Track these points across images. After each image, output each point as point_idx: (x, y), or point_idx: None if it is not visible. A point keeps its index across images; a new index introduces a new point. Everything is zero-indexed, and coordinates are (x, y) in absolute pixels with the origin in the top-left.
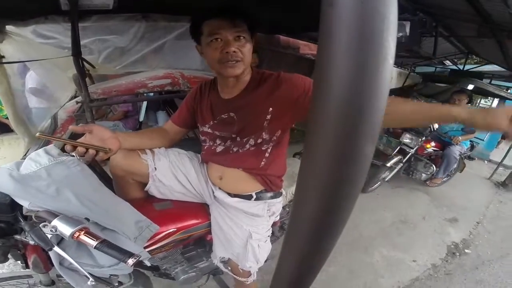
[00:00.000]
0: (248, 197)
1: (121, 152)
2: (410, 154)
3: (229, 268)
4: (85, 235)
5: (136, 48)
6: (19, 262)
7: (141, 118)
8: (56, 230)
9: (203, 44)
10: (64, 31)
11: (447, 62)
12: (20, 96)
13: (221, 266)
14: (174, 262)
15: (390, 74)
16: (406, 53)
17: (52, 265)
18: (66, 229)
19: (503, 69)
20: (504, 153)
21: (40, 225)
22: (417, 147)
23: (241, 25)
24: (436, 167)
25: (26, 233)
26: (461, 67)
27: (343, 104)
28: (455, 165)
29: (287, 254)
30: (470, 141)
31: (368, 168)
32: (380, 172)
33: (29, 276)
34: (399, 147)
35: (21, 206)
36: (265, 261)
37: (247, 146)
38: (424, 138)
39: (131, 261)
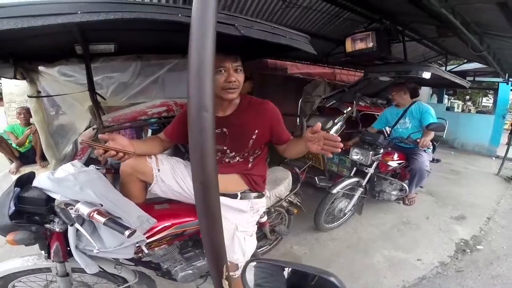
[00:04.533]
0: (234, 196)
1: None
2: (369, 174)
3: None
4: (97, 214)
5: (135, 82)
6: (42, 252)
7: None
8: (78, 211)
9: None
10: (80, 70)
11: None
12: (51, 124)
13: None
14: (174, 260)
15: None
16: (380, 61)
17: (70, 255)
18: (85, 210)
19: (484, 66)
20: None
21: (68, 208)
22: (375, 163)
23: (239, 59)
24: (404, 183)
25: (54, 222)
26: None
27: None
28: (427, 176)
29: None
30: (432, 142)
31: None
32: (328, 201)
33: (48, 270)
34: (354, 168)
35: (52, 203)
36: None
37: (237, 158)
38: (381, 151)
39: (127, 232)
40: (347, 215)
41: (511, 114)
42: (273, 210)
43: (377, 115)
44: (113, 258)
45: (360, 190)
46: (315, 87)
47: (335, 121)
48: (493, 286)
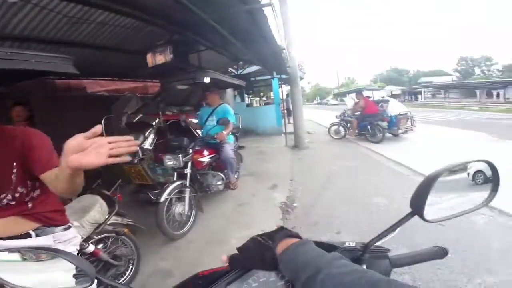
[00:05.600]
0: (26, 236)
1: None
2: (188, 174)
3: None
4: None
5: None
6: None
7: None
8: None
9: None
10: None
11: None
12: None
13: None
14: None
15: None
16: (179, 71)
17: None
18: None
19: (259, 67)
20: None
21: None
22: (189, 163)
23: None
24: (222, 173)
25: None
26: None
27: None
28: (236, 161)
29: None
30: (233, 134)
31: None
32: (162, 210)
33: None
34: (175, 172)
35: None
36: None
37: (5, 201)
38: (191, 151)
39: None
40: (191, 217)
41: (284, 102)
42: (97, 237)
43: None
44: None
45: (188, 190)
46: (126, 102)
47: (146, 134)
48: (316, 230)
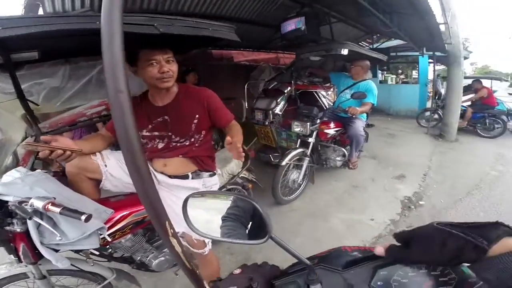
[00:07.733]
0: (185, 177)
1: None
2: (311, 143)
3: (187, 243)
4: (52, 206)
5: (68, 86)
6: (12, 257)
7: None
8: (33, 206)
9: (141, 66)
10: (4, 79)
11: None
12: None
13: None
14: (144, 250)
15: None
16: (311, 43)
17: (40, 257)
18: (39, 203)
19: (404, 42)
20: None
21: (23, 204)
22: (315, 132)
23: (169, 51)
24: (345, 149)
25: (13, 223)
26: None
27: None
28: (364, 140)
29: None
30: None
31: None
32: (280, 173)
33: (26, 276)
34: (299, 140)
35: (6, 206)
36: None
37: (183, 142)
38: (318, 121)
39: (83, 217)
40: (301, 186)
41: (434, 83)
42: (228, 187)
43: (314, 92)
44: (83, 255)
45: (307, 159)
46: (261, 72)
47: (278, 101)
48: None
